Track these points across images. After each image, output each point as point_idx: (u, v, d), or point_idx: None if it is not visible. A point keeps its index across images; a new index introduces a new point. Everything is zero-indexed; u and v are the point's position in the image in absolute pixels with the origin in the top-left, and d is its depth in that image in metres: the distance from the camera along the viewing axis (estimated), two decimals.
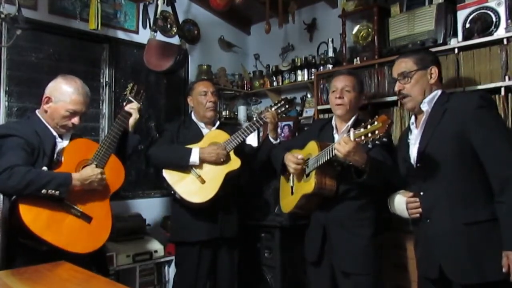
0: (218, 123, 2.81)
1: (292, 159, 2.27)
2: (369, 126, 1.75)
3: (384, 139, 1.74)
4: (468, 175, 1.74)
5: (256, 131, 2.72)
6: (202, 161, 2.52)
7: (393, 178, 2.06)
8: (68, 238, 1.94)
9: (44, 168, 1.97)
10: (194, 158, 2.50)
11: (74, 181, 1.96)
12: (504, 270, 1.63)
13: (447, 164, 1.76)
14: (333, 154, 1.95)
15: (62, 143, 2.12)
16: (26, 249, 1.93)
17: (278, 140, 2.65)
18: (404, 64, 1.92)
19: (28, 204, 1.88)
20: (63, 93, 2.08)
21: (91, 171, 2.04)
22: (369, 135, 1.74)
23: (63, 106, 2.07)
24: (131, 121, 2.37)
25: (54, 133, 2.10)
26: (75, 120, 2.11)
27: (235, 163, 2.55)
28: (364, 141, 1.78)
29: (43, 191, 1.86)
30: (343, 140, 1.85)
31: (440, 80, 1.92)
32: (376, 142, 1.75)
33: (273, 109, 2.66)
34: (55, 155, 2.07)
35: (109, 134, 2.21)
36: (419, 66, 1.88)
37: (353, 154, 1.87)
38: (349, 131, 1.90)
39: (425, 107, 1.87)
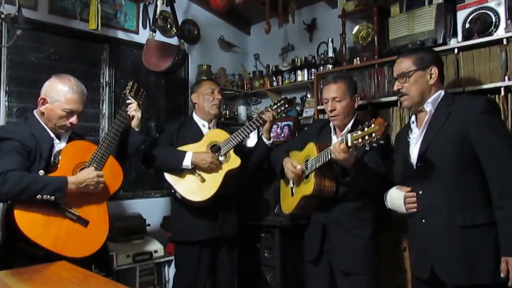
0: (214, 120, 2.78)
1: (290, 167, 2.29)
2: (366, 129, 1.77)
3: (381, 142, 1.75)
4: (468, 178, 1.73)
5: (255, 130, 2.72)
6: (195, 166, 2.51)
7: (383, 183, 2.07)
8: (64, 243, 1.91)
9: (41, 171, 1.94)
10: (187, 162, 2.50)
11: (70, 184, 1.92)
12: (502, 275, 1.62)
13: (447, 166, 1.75)
14: (332, 156, 1.99)
15: (60, 145, 2.08)
16: (23, 254, 1.89)
17: (271, 140, 2.67)
18: (403, 65, 1.91)
19: (24, 210, 1.85)
20: (58, 92, 2.03)
21: (87, 174, 1.98)
22: (366, 137, 1.76)
23: (59, 106, 2.01)
24: (135, 121, 2.33)
25: (52, 135, 2.06)
26: (73, 119, 2.05)
27: (235, 161, 2.55)
28: (362, 144, 1.79)
29: (38, 196, 1.83)
30: (341, 149, 1.90)
31: (441, 80, 1.91)
32: (374, 144, 1.76)
33: (272, 109, 2.68)
34: (52, 158, 2.02)
35: (107, 135, 2.16)
36: (418, 66, 1.87)
37: (347, 159, 1.94)
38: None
39: (429, 107, 1.85)
